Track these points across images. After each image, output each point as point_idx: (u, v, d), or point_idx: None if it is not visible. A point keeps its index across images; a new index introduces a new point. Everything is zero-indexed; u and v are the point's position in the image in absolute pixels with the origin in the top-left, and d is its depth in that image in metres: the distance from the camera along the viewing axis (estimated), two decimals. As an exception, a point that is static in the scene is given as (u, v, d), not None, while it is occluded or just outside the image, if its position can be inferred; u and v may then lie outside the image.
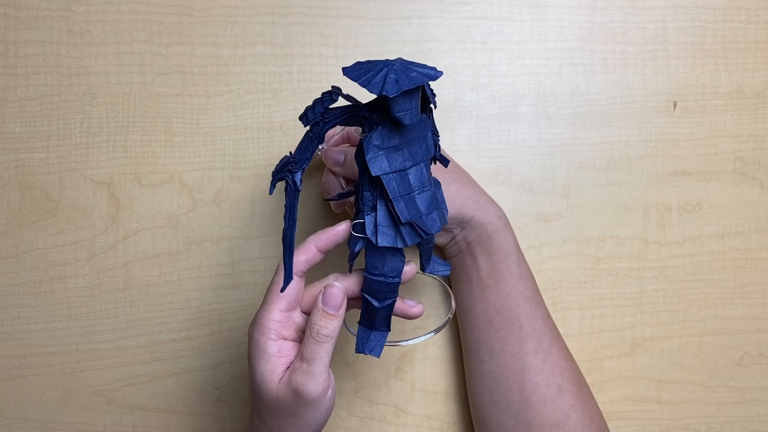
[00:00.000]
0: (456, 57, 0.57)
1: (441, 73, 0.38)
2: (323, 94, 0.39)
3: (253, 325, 0.42)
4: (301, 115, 0.40)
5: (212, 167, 0.56)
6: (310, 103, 0.39)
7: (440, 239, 0.51)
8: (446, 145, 0.57)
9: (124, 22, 0.56)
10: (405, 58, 0.39)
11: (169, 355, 0.56)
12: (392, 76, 0.37)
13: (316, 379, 0.40)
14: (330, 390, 0.41)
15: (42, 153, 0.56)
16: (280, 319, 0.42)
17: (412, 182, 0.40)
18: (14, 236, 0.56)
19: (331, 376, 0.42)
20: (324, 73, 0.57)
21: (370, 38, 0.57)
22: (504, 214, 0.51)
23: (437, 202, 0.41)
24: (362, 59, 0.56)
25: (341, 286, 0.42)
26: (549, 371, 0.48)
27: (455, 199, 0.48)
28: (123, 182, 0.56)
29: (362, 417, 0.56)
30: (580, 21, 0.58)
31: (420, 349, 0.56)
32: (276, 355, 0.41)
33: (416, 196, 0.40)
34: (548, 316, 0.50)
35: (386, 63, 0.38)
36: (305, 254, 0.42)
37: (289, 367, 0.41)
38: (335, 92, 0.39)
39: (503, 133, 0.57)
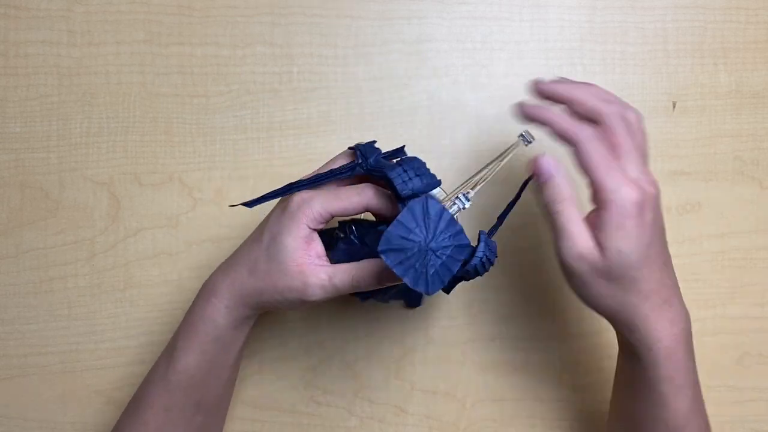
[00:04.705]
0: (456, 57, 0.57)
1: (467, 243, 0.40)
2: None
3: (312, 200, 0.43)
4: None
5: (212, 167, 0.56)
6: None
7: None
8: (446, 146, 0.57)
9: (124, 22, 0.56)
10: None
11: (169, 355, 0.56)
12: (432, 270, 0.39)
13: (324, 292, 0.42)
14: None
15: (42, 153, 0.56)
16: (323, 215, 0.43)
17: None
18: (14, 236, 0.56)
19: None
20: (324, 73, 0.57)
21: (370, 38, 0.57)
22: (678, 343, 0.42)
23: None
24: (362, 59, 0.57)
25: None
26: None
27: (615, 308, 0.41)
28: (123, 182, 0.56)
29: (362, 417, 0.56)
30: (580, 21, 0.58)
31: (420, 349, 0.56)
32: (308, 237, 0.43)
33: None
34: None
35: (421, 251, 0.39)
36: None
37: (309, 248, 0.43)
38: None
39: (503, 133, 0.57)
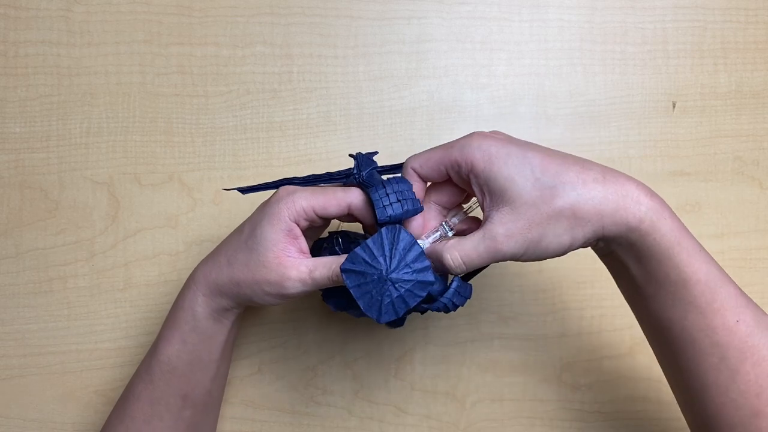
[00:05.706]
0: (455, 57, 0.57)
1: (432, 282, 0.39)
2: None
3: (294, 193, 0.42)
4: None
5: (212, 167, 0.56)
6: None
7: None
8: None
9: (123, 22, 0.56)
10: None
11: (168, 355, 0.56)
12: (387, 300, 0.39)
13: (302, 286, 0.42)
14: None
15: (42, 153, 0.56)
16: (316, 212, 0.42)
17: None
18: (14, 236, 0.56)
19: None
20: (324, 73, 0.57)
21: (370, 38, 0.57)
22: (651, 205, 0.38)
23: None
24: (362, 59, 0.57)
25: None
26: (739, 392, 0.39)
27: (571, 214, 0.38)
28: (123, 182, 0.56)
29: (362, 417, 0.56)
30: (580, 21, 0.58)
31: (420, 349, 0.56)
32: (291, 232, 0.42)
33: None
34: (737, 322, 0.40)
35: (381, 283, 0.39)
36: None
37: (292, 240, 0.42)
38: None
39: (503, 133, 0.57)
